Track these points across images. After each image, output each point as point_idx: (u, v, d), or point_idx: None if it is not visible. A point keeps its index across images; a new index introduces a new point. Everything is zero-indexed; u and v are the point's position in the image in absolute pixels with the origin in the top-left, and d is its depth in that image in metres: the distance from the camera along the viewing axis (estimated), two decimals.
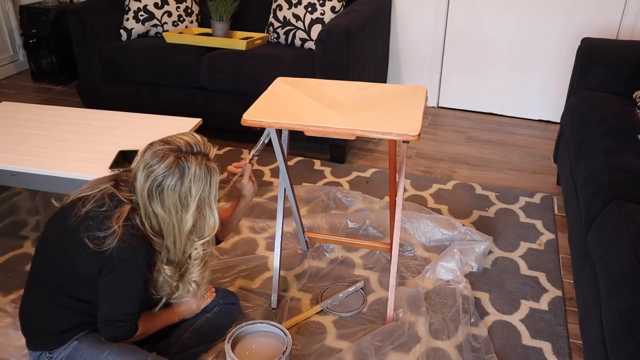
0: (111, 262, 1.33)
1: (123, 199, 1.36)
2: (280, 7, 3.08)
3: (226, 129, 3.06)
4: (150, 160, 1.32)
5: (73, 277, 1.40)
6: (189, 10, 3.34)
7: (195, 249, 1.40)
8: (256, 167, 2.87)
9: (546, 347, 1.78)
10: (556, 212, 2.49)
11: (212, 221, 1.40)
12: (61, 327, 1.44)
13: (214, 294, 1.72)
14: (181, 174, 1.31)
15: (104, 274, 1.35)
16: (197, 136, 1.39)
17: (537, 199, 2.58)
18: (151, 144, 1.36)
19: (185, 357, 1.66)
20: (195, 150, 1.35)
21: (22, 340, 1.69)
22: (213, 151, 1.40)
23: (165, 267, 1.41)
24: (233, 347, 1.64)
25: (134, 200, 1.36)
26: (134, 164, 1.37)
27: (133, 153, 1.97)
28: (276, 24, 3.10)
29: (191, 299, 1.58)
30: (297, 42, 3.05)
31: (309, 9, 3.00)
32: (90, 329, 1.47)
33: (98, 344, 1.44)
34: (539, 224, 2.39)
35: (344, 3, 3.03)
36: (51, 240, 1.43)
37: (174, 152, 1.32)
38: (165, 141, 1.35)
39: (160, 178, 1.31)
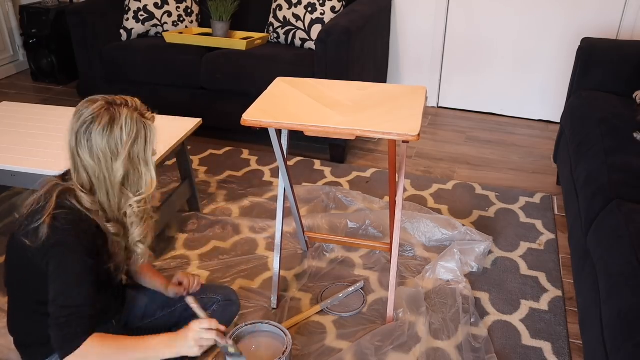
0: (47, 252, 1.26)
1: (58, 186, 1.31)
2: (280, 7, 3.08)
3: (226, 129, 3.06)
4: (81, 106, 1.29)
5: (37, 283, 1.32)
6: (189, 10, 3.34)
7: (130, 205, 1.33)
8: (256, 167, 2.88)
9: (546, 347, 1.78)
10: (556, 212, 2.49)
11: (149, 177, 1.33)
12: (47, 338, 1.37)
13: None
14: (111, 119, 1.26)
15: (48, 269, 1.27)
16: (137, 100, 1.35)
17: (537, 199, 2.58)
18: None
19: (184, 357, 1.65)
20: (129, 104, 1.31)
21: None
22: (150, 114, 1.34)
23: (108, 225, 1.33)
24: None
25: (68, 182, 1.32)
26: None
27: None
28: (276, 24, 3.10)
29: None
30: (297, 42, 3.05)
31: (309, 9, 3.00)
32: None
33: None
34: (539, 224, 2.39)
35: (344, 3, 3.03)
36: (8, 256, 1.39)
37: (106, 101, 1.28)
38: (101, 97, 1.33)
39: (88, 120, 1.25)
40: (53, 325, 1.23)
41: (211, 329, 1.33)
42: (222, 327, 1.36)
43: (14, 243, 1.34)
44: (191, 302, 1.46)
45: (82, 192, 1.29)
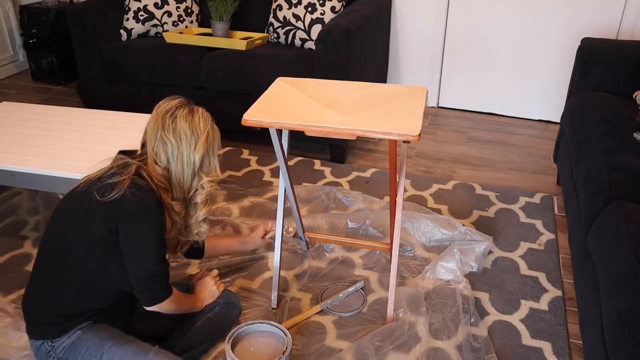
0: (122, 212, 1.38)
1: (131, 161, 1.47)
2: (280, 7, 3.08)
3: (226, 129, 3.04)
4: (161, 103, 1.49)
5: (87, 249, 1.42)
6: (189, 10, 3.34)
7: (202, 186, 1.50)
8: (256, 167, 2.88)
9: (546, 347, 1.78)
10: (556, 212, 2.49)
11: (215, 165, 1.53)
12: (65, 313, 1.45)
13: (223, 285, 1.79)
14: (191, 110, 1.49)
15: (120, 231, 1.40)
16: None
17: (537, 199, 2.58)
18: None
19: (185, 358, 1.66)
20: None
21: (22, 341, 1.70)
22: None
23: (173, 203, 1.47)
24: (233, 347, 1.64)
25: (144, 158, 1.49)
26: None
27: (133, 153, 1.97)
28: (276, 24, 3.10)
29: (209, 286, 1.72)
30: (297, 42, 3.05)
31: (309, 9, 3.00)
32: (94, 319, 1.48)
33: (102, 334, 1.45)
34: (539, 224, 2.39)
35: (344, 3, 3.03)
36: (61, 222, 1.47)
37: (183, 98, 1.52)
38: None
39: (173, 108, 1.46)
40: (139, 290, 1.45)
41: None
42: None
43: (76, 201, 1.45)
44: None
45: (158, 165, 1.46)
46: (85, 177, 1.48)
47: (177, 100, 1.50)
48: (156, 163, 1.47)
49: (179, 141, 1.45)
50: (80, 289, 1.45)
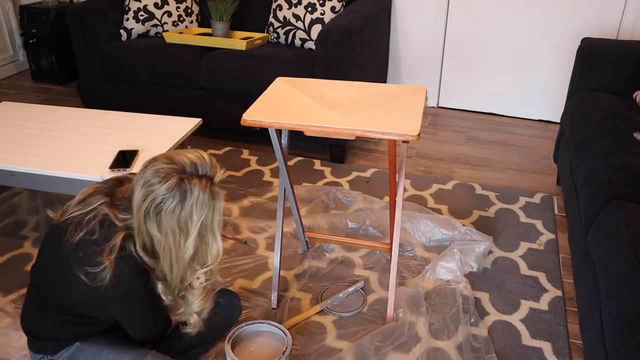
0: (110, 297, 1.29)
1: (116, 223, 1.28)
2: (280, 7, 3.08)
3: (226, 129, 3.06)
4: (151, 178, 1.21)
5: (73, 302, 1.36)
6: (189, 10, 3.34)
7: (198, 278, 1.31)
8: (256, 167, 2.88)
9: (546, 347, 1.78)
10: (556, 212, 2.49)
11: (215, 249, 1.30)
12: (66, 336, 1.43)
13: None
14: (182, 197, 1.20)
15: (110, 309, 1.34)
16: (205, 156, 1.27)
17: (537, 199, 2.58)
18: (154, 159, 1.25)
19: (185, 357, 1.66)
20: (200, 172, 1.24)
21: (22, 341, 1.70)
22: (219, 174, 1.27)
23: (158, 283, 1.32)
24: (233, 347, 1.64)
25: (128, 222, 1.27)
26: (134, 180, 1.26)
27: (133, 153, 1.97)
28: (276, 24, 3.10)
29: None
30: (297, 42, 3.05)
31: (309, 9, 3.00)
32: (97, 333, 1.46)
33: (100, 342, 1.44)
34: (539, 224, 2.39)
35: (344, 3, 3.03)
36: (47, 264, 1.38)
37: (177, 172, 1.21)
38: (169, 158, 1.24)
39: (159, 199, 1.20)
40: (138, 341, 1.45)
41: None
42: None
43: (60, 260, 1.31)
44: None
45: (145, 255, 1.27)
46: (70, 211, 1.33)
47: (168, 184, 1.20)
48: (143, 250, 1.27)
49: (164, 236, 1.23)
50: (75, 322, 1.40)
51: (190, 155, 1.25)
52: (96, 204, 1.31)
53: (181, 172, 1.22)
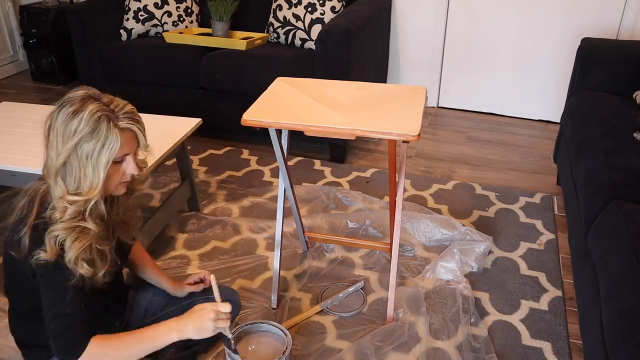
0: (31, 264, 1.24)
1: (38, 188, 1.29)
2: (280, 7, 3.08)
3: (226, 129, 3.06)
4: (71, 90, 1.27)
5: (31, 291, 1.31)
6: (189, 10, 3.34)
7: (61, 198, 1.24)
8: (256, 167, 2.88)
9: (546, 347, 1.78)
10: (556, 212, 2.49)
11: (95, 181, 1.23)
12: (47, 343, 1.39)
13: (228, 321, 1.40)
14: (76, 110, 1.21)
15: (36, 280, 1.27)
16: (125, 105, 1.29)
17: (537, 199, 2.58)
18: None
19: (185, 356, 1.65)
20: (105, 104, 1.24)
21: None
22: (128, 124, 1.26)
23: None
24: None
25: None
26: None
27: None
28: (276, 24, 3.10)
29: (205, 312, 1.34)
30: (297, 42, 3.05)
31: (309, 9, 2.99)
32: None
33: None
34: (539, 224, 2.39)
35: (344, 3, 3.03)
36: (4, 262, 1.37)
37: (87, 92, 1.25)
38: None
39: (63, 102, 1.23)
40: (51, 337, 1.24)
41: (228, 315, 1.35)
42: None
43: (5, 251, 1.33)
44: (214, 283, 1.44)
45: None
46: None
47: (76, 94, 1.24)
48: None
49: (51, 141, 1.23)
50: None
51: (113, 97, 1.29)
52: (33, 187, 1.33)
53: (90, 96, 1.25)
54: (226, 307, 1.35)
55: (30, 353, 1.45)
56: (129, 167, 1.31)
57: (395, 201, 1.79)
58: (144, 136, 1.33)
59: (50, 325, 1.24)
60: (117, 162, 1.28)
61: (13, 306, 1.44)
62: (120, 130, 1.24)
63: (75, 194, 1.24)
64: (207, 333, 1.32)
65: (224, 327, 1.35)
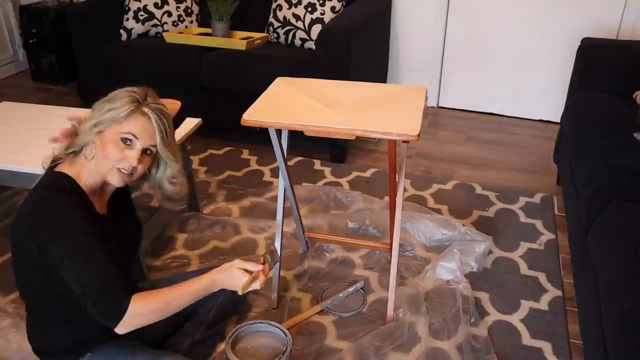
0: (37, 235, 1.23)
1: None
2: (280, 7, 3.08)
3: (226, 129, 3.06)
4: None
5: (39, 278, 1.31)
6: (189, 10, 3.34)
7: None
8: (256, 167, 2.88)
9: (546, 347, 1.78)
10: (556, 212, 2.49)
11: (86, 136, 1.35)
12: (71, 340, 1.39)
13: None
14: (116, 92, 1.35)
15: (47, 256, 1.23)
16: (159, 98, 1.39)
17: (537, 199, 2.58)
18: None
19: (192, 353, 1.66)
20: (142, 90, 1.37)
21: (22, 341, 1.70)
22: (150, 109, 1.33)
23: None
24: (233, 347, 1.64)
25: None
26: None
27: None
28: (276, 24, 3.10)
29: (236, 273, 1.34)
30: (297, 42, 3.05)
31: (309, 9, 2.99)
32: (103, 338, 1.41)
33: (111, 348, 1.40)
34: (539, 224, 2.39)
35: (344, 3, 3.03)
36: (14, 257, 1.38)
37: (132, 90, 1.35)
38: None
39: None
40: (89, 306, 1.21)
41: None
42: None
43: (14, 236, 1.33)
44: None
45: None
46: None
47: (124, 91, 1.35)
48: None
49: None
50: (67, 321, 1.37)
51: (153, 93, 1.39)
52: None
53: (134, 92, 1.35)
54: (255, 267, 1.35)
55: None
56: (130, 153, 1.31)
57: (395, 201, 1.79)
58: (166, 140, 1.35)
59: (85, 294, 1.21)
60: (123, 140, 1.31)
61: (31, 311, 1.42)
62: (137, 112, 1.31)
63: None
64: (241, 284, 1.32)
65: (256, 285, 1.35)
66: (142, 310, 1.23)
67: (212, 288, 1.34)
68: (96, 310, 1.22)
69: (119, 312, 1.20)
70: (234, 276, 1.33)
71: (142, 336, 1.41)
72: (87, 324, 1.35)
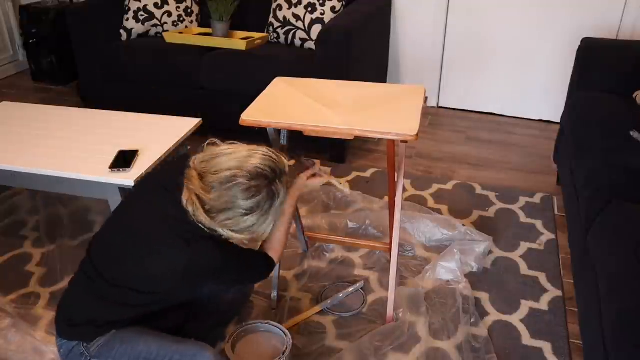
0: (200, 274, 1.35)
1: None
2: (280, 7, 3.08)
3: (226, 129, 3.06)
4: (240, 196, 1.31)
5: (144, 272, 1.34)
6: (189, 10, 3.34)
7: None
8: None
9: (546, 347, 1.78)
10: (556, 212, 2.49)
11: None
12: (110, 319, 1.39)
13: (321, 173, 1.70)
14: (270, 204, 1.37)
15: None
16: (271, 154, 1.39)
17: (537, 199, 2.58)
18: (234, 177, 1.30)
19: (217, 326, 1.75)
20: (278, 173, 1.39)
21: (22, 341, 1.70)
22: (287, 163, 1.44)
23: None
24: (233, 347, 1.64)
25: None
26: (215, 194, 1.31)
27: (133, 153, 1.97)
28: (276, 24, 3.10)
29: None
30: (297, 42, 3.05)
31: (309, 9, 2.99)
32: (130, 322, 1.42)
33: (136, 330, 1.40)
34: (539, 224, 2.39)
35: (344, 3, 3.03)
36: (129, 229, 1.38)
37: (264, 187, 1.34)
38: (247, 171, 1.31)
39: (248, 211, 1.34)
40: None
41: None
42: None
43: (163, 214, 1.35)
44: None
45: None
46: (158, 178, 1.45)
47: (254, 194, 1.32)
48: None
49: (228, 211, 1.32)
50: (130, 301, 1.38)
51: (260, 160, 1.34)
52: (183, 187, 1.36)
53: (266, 183, 1.34)
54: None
55: (74, 331, 1.41)
56: None
57: (395, 201, 1.79)
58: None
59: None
60: None
61: (91, 287, 1.39)
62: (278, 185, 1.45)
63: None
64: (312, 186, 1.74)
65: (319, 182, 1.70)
66: (275, 255, 1.56)
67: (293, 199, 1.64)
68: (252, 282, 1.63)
69: (268, 273, 1.54)
70: (308, 186, 1.69)
71: None
72: (142, 309, 1.41)
